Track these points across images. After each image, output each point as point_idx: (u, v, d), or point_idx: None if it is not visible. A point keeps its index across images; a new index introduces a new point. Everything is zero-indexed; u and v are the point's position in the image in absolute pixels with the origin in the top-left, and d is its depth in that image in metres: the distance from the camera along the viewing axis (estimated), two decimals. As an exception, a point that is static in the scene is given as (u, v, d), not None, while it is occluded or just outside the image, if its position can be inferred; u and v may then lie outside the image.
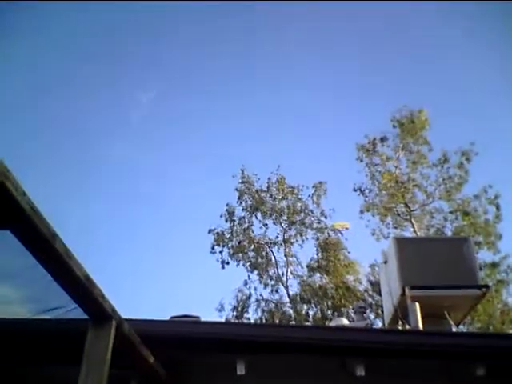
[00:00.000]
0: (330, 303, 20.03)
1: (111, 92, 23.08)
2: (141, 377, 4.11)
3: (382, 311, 10.80)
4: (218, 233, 21.27)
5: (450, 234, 19.96)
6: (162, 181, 25.14)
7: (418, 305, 6.65)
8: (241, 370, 4.18)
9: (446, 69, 22.23)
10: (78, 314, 3.01)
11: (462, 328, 11.65)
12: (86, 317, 3.01)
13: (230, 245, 21.21)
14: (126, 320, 3.29)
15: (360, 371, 4.16)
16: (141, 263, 25.15)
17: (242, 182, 22.11)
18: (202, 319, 5.68)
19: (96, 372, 2.93)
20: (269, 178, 22.07)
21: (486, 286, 7.23)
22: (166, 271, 25.20)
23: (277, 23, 22.06)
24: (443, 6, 17.02)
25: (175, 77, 24.37)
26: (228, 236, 21.35)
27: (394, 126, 21.42)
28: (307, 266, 21.13)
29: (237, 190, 22.05)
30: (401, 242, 7.66)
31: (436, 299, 6.81)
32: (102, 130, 23.58)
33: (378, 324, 18.54)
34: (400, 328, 7.07)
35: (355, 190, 21.47)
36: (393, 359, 4.43)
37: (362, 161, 21.62)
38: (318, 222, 21.61)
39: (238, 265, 21.00)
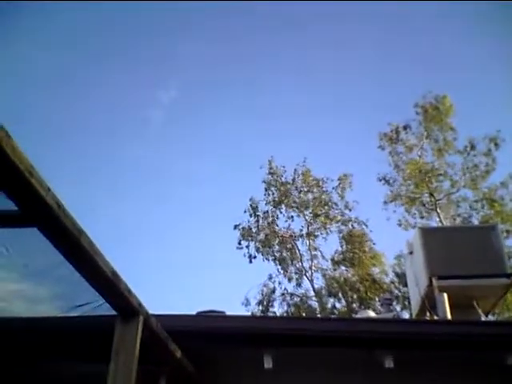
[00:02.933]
0: (355, 296, 19.92)
1: (131, 91, 23.24)
2: (169, 372, 4.14)
3: (409, 303, 10.70)
4: (243, 228, 21.29)
5: (476, 223, 19.65)
6: (187, 179, 25.27)
7: (445, 295, 6.57)
8: (268, 363, 4.18)
9: (470, 53, 21.74)
10: (105, 309, 3.05)
11: (491, 318, 11.45)
12: (113, 313, 3.04)
13: (257, 239, 21.23)
14: (153, 316, 3.31)
15: (389, 363, 4.12)
16: (168, 260, 25.42)
17: (269, 174, 22.03)
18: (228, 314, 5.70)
19: (125, 367, 2.95)
20: (295, 170, 21.99)
21: (515, 275, 7.09)
22: (192, 268, 25.38)
23: (298, 17, 21.90)
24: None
25: (195, 73, 24.42)
26: (254, 231, 21.35)
27: (417, 113, 21.13)
28: (332, 259, 21.05)
29: (264, 181, 21.98)
30: (426, 232, 7.57)
31: (464, 289, 6.71)
32: (127, 129, 23.85)
33: (405, 316, 18.37)
34: (428, 319, 6.99)
35: (380, 180, 21.27)
36: (422, 350, 4.38)
37: (383, 149, 21.40)
38: (342, 215, 21.50)
39: (264, 259, 21.03)
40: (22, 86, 17.33)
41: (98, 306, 3.01)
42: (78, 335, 3.91)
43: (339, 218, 21.46)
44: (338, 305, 20.33)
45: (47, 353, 4.13)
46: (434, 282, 6.78)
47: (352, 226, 21.25)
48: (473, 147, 20.46)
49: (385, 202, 21.17)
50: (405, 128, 21.26)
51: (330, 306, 20.20)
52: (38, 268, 2.93)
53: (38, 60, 17.27)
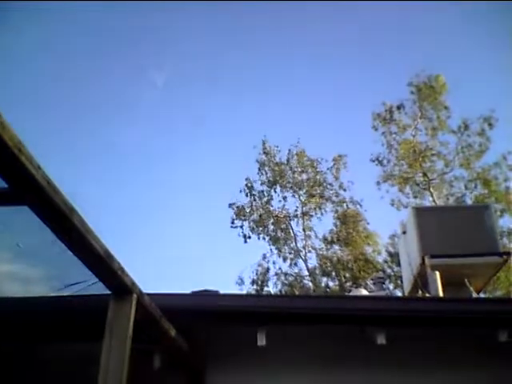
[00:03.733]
0: (348, 275, 20.08)
1: (125, 73, 23.03)
2: (163, 350, 4.16)
3: (402, 282, 10.79)
4: (238, 207, 21.29)
5: (470, 202, 19.75)
6: (181, 159, 25.20)
7: (438, 274, 6.63)
8: (261, 340, 4.21)
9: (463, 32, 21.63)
10: (98, 289, 3.04)
11: (483, 296, 11.58)
12: (106, 291, 3.04)
13: (250, 218, 21.26)
14: (147, 294, 3.31)
15: (381, 340, 4.16)
16: (163, 240, 25.45)
17: (263, 153, 21.97)
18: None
19: (119, 346, 2.95)
20: (289, 150, 21.95)
21: (508, 253, 7.16)
22: (186, 248, 25.44)
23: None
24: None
25: (189, 54, 24.20)
26: (248, 210, 21.37)
27: (412, 93, 21.02)
28: (325, 239, 21.15)
29: (257, 161, 21.94)
30: (420, 212, 7.61)
31: (456, 268, 6.78)
32: (119, 110, 23.64)
33: (398, 295, 18.54)
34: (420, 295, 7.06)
35: (373, 161, 21.29)
36: (414, 327, 4.42)
37: (376, 129, 21.36)
38: (337, 195, 21.55)
39: (258, 238, 21.09)
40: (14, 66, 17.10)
41: (91, 285, 3.00)
42: (70, 314, 3.91)
43: (334, 198, 21.54)
44: (331, 284, 20.52)
45: (40, 332, 4.14)
46: (427, 260, 6.83)
47: (346, 206, 21.35)
48: (467, 127, 20.46)
49: (378, 183, 21.23)
50: (398, 108, 21.20)
51: (323, 285, 20.36)
52: (30, 248, 2.92)
53: (27, 37, 17.02)
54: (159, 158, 26.49)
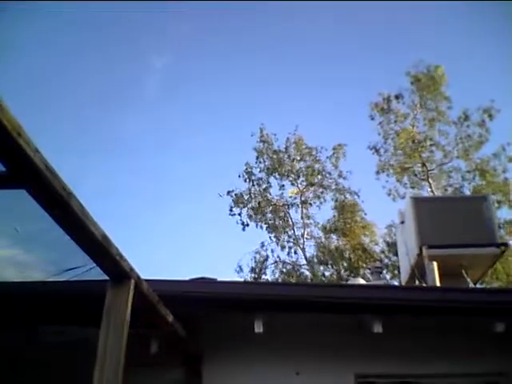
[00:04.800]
0: (346, 264, 20.13)
1: (124, 58, 22.91)
2: (160, 336, 4.18)
3: (399, 272, 10.81)
4: (236, 194, 21.25)
5: (468, 193, 19.76)
6: (178, 147, 25.18)
7: (435, 264, 6.63)
8: (259, 327, 4.22)
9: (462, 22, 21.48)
10: (96, 274, 3.03)
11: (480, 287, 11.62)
12: (104, 277, 3.03)
13: (249, 206, 21.22)
14: (145, 280, 3.31)
15: (377, 328, 4.17)
16: (161, 228, 25.49)
17: (260, 141, 21.88)
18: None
19: (116, 331, 2.95)
20: (287, 139, 21.85)
21: (505, 244, 7.15)
22: (184, 235, 25.49)
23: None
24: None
25: (189, 40, 24.06)
26: (246, 197, 21.32)
27: (411, 83, 20.91)
28: (324, 228, 21.17)
29: (255, 149, 21.84)
30: (418, 202, 7.59)
31: (454, 258, 6.78)
32: (120, 97, 23.53)
33: (395, 284, 18.61)
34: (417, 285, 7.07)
35: (370, 149, 21.21)
36: (410, 316, 4.43)
37: (373, 119, 21.27)
38: (336, 184, 21.55)
39: (256, 226, 21.08)
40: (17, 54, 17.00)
41: (89, 270, 2.99)
42: (68, 299, 3.92)
43: (333, 187, 21.54)
44: (328, 273, 20.58)
45: (38, 317, 4.14)
46: (424, 250, 6.84)
47: (344, 196, 21.34)
48: (466, 118, 20.39)
49: (377, 172, 21.21)
50: (397, 97, 21.10)
51: (320, 274, 20.42)
52: (28, 232, 2.91)
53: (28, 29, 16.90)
54: (157, 147, 26.47)
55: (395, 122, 21.15)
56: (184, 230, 25.94)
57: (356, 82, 24.54)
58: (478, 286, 8.00)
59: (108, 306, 3.01)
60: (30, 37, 17.97)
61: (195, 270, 20.70)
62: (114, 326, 2.97)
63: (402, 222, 7.96)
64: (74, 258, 2.94)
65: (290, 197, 21.35)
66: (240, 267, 20.51)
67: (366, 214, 21.22)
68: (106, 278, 3.02)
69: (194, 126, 26.27)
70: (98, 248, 2.60)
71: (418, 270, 7.05)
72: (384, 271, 18.48)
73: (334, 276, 20.08)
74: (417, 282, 7.34)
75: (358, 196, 21.26)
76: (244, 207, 21.22)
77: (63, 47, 20.46)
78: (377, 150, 21.16)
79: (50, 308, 4.04)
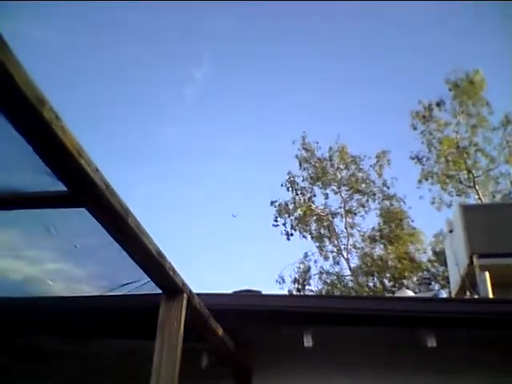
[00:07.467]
0: (389, 275, 19.77)
1: (164, 69, 23.38)
2: (210, 349, 4.19)
3: (448, 282, 10.54)
4: (279, 204, 21.19)
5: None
6: (221, 155, 25.39)
7: (487, 274, 6.45)
8: (308, 341, 4.19)
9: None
10: (150, 288, 3.08)
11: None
12: (158, 291, 3.08)
13: (293, 216, 21.11)
14: (197, 294, 3.33)
15: (431, 342, 4.07)
16: (203, 239, 25.67)
17: (302, 149, 21.78)
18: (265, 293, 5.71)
19: (170, 344, 2.99)
20: (330, 148, 21.74)
21: (561, 253, 6.88)
22: (226, 246, 25.60)
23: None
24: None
25: (229, 50, 24.38)
26: (291, 207, 21.23)
27: (449, 90, 20.49)
28: (369, 237, 20.88)
29: (296, 157, 21.80)
30: (467, 209, 7.42)
31: (507, 268, 6.57)
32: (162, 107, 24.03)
33: (444, 296, 18.15)
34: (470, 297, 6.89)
35: (412, 158, 20.90)
36: (465, 329, 4.31)
37: (415, 128, 20.94)
38: (381, 192, 21.27)
39: (301, 236, 20.98)
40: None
41: (143, 285, 3.05)
42: (123, 313, 3.99)
43: (379, 195, 21.28)
44: (372, 284, 20.25)
45: (94, 331, 4.23)
46: (475, 260, 6.66)
47: (390, 203, 21.03)
48: (509, 122, 19.85)
49: (420, 181, 20.84)
50: (438, 104, 20.71)
51: (365, 284, 20.12)
52: (85, 248, 2.98)
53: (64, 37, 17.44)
54: (197, 156, 26.70)
55: (435, 130, 20.77)
56: (224, 241, 26.04)
57: (392, 89, 24.23)
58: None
59: (162, 320, 3.05)
60: (71, 47, 18.52)
61: (235, 281, 20.77)
62: (168, 339, 3.00)
63: (451, 231, 7.78)
64: (129, 273, 2.99)
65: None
66: (282, 278, 20.43)
67: (412, 221, 20.84)
68: (158, 291, 3.07)
69: (233, 133, 26.41)
70: (153, 264, 2.65)
71: (469, 280, 6.87)
72: (432, 282, 18.06)
73: (378, 286, 19.74)
74: (468, 293, 7.15)
75: (404, 202, 20.93)
76: (288, 217, 21.13)
77: (104, 58, 21.03)
78: (419, 159, 20.82)
79: (105, 321, 4.12)
